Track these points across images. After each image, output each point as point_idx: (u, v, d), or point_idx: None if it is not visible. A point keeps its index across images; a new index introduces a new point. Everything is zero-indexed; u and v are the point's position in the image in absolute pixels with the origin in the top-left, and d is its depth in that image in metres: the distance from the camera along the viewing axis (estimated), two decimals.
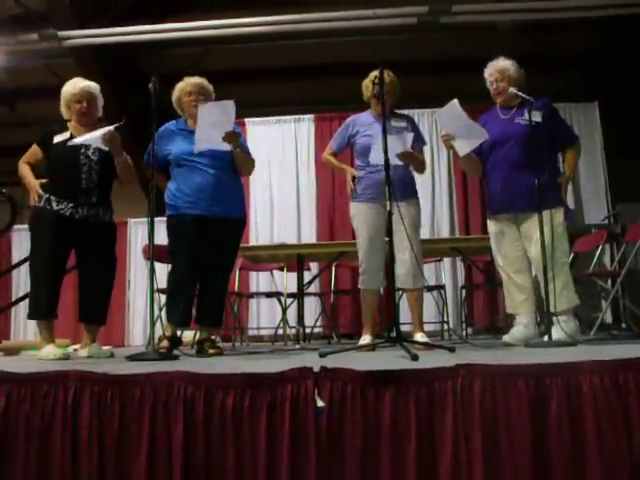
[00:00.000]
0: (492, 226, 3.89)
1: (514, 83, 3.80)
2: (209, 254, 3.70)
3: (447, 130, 3.72)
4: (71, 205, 3.61)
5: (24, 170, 3.71)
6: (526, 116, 3.61)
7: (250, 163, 3.92)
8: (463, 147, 3.72)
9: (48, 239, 3.55)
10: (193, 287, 3.74)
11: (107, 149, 3.59)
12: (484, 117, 3.98)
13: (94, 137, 3.50)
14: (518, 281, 3.76)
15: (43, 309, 3.55)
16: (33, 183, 3.63)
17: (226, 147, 3.60)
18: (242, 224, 3.92)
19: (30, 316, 3.61)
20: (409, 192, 3.89)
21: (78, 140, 3.52)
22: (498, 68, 3.87)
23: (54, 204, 3.59)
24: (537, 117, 3.67)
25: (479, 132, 3.66)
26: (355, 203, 3.99)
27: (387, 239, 3.20)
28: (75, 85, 3.76)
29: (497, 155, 3.81)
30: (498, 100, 3.91)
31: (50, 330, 3.58)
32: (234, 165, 3.81)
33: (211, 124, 3.47)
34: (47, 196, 3.60)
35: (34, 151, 3.73)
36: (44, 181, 3.64)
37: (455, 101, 3.55)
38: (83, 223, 3.63)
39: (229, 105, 3.49)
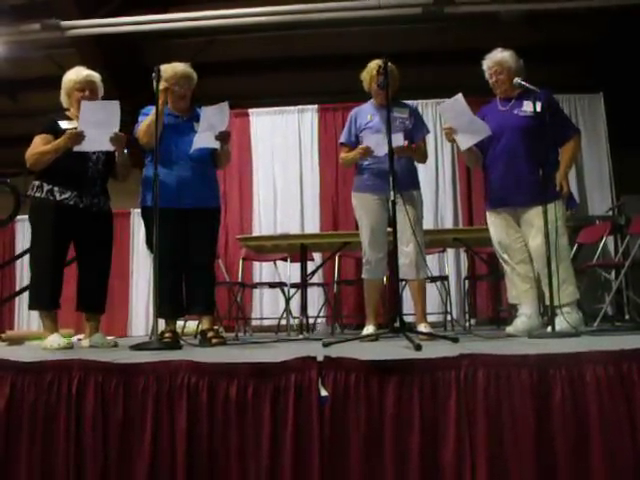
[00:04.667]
0: (492, 218, 3.87)
1: (513, 74, 3.75)
2: (190, 246, 3.71)
3: (450, 123, 3.71)
4: (75, 194, 3.62)
5: (42, 148, 3.54)
6: (524, 107, 3.58)
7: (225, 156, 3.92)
8: (464, 141, 3.72)
9: (51, 230, 3.55)
10: (174, 280, 3.71)
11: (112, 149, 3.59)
12: (484, 109, 3.95)
13: (101, 141, 3.46)
14: (521, 271, 3.75)
15: (46, 300, 3.56)
16: (63, 137, 3.47)
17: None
18: (219, 213, 3.92)
19: (32, 306, 3.63)
20: (411, 183, 3.88)
21: (86, 147, 3.47)
22: (496, 60, 3.82)
23: (57, 194, 3.59)
24: (537, 107, 3.63)
25: (482, 128, 3.66)
26: (357, 193, 4.00)
27: (390, 229, 3.19)
28: (78, 73, 3.75)
29: (495, 148, 3.78)
30: (498, 92, 3.87)
31: (53, 320, 3.58)
32: (210, 156, 3.80)
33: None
34: (50, 187, 3.59)
35: (47, 140, 3.57)
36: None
37: (460, 95, 3.55)
38: (86, 212, 3.64)
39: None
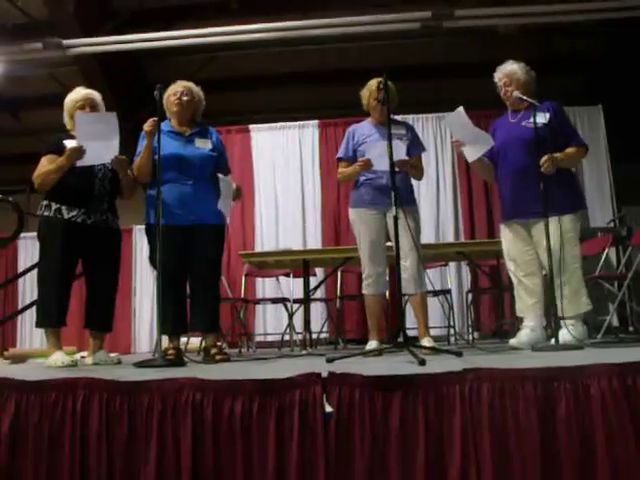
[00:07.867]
0: (504, 231, 3.89)
1: (523, 87, 3.78)
2: (194, 263, 3.71)
3: (457, 136, 3.74)
4: (83, 211, 3.64)
5: (46, 168, 3.58)
6: (532, 119, 3.59)
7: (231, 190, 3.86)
8: (471, 153, 3.75)
9: (59, 248, 3.56)
10: (177, 297, 3.70)
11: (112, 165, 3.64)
12: (496, 122, 3.98)
13: (103, 153, 3.49)
14: (529, 285, 3.74)
15: (53, 317, 3.56)
16: (64, 155, 3.50)
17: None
18: (224, 230, 3.93)
19: (39, 324, 3.62)
20: (408, 199, 3.88)
21: (88, 162, 3.50)
22: (506, 72, 3.85)
23: (65, 213, 3.61)
24: (543, 119, 3.64)
25: (485, 139, 3.69)
26: (355, 208, 4.00)
27: (391, 244, 3.20)
28: (78, 92, 3.81)
29: (505, 160, 3.79)
30: (508, 104, 3.89)
31: (58, 337, 3.59)
32: (213, 173, 3.80)
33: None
34: (57, 206, 3.61)
35: (52, 160, 3.60)
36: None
37: (461, 109, 3.58)
38: (93, 229, 3.66)
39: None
